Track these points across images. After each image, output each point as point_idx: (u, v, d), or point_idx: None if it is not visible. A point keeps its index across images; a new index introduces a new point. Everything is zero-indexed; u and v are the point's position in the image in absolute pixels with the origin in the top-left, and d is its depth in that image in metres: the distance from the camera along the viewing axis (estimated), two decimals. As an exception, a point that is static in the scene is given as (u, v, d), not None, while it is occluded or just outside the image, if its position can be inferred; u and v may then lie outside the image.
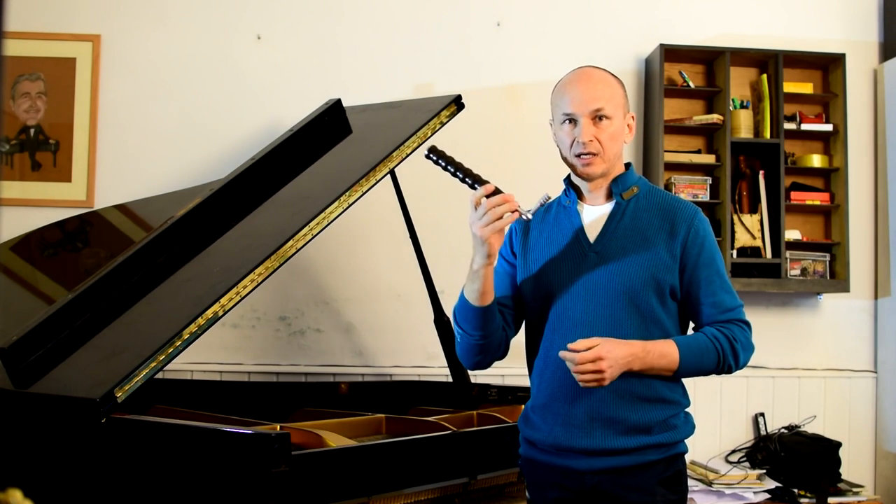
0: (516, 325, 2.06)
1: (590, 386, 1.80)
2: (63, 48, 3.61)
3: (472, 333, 1.95)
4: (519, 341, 2.08)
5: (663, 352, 1.84)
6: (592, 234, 1.95)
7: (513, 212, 1.80)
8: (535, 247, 2.00)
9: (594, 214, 1.98)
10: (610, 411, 1.87)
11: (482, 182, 1.84)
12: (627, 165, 2.01)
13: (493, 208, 1.79)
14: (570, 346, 1.79)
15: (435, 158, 1.87)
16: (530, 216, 1.82)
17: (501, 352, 2.02)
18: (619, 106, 1.93)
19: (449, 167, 1.88)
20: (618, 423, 1.87)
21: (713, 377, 2.04)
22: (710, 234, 1.96)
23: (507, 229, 1.91)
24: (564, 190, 2.04)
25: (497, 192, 1.81)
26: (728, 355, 1.88)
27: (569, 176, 2.03)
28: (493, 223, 1.79)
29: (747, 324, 1.94)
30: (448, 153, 1.88)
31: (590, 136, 1.89)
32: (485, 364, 2.02)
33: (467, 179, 1.86)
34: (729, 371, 1.91)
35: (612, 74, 1.99)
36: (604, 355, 1.77)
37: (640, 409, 1.88)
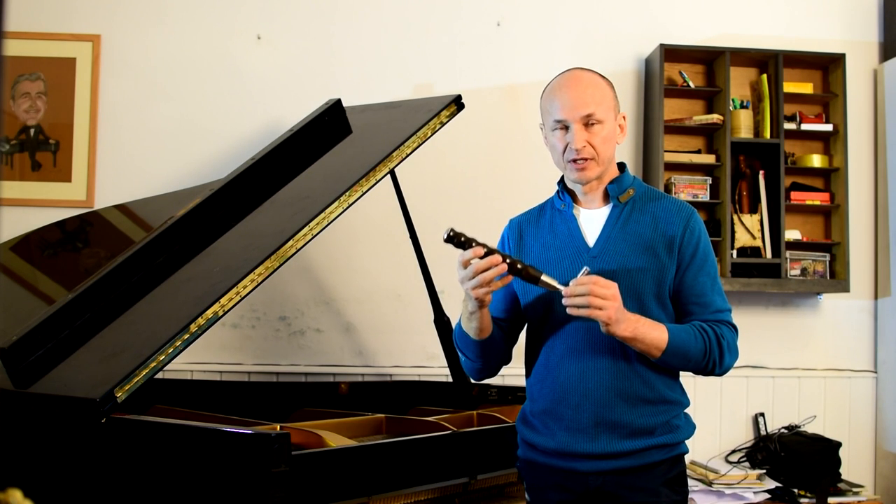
0: (516, 337, 2.08)
1: (591, 314, 1.75)
2: (63, 48, 3.61)
3: (475, 361, 2.01)
4: (519, 342, 2.09)
5: (654, 325, 1.83)
6: (591, 238, 1.94)
7: (503, 276, 1.78)
8: (531, 252, 1.99)
9: (591, 218, 1.97)
10: (614, 415, 1.86)
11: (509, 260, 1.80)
12: (622, 166, 2.01)
13: (481, 273, 1.78)
14: (590, 277, 1.77)
15: (455, 242, 1.81)
16: (558, 286, 1.80)
17: (506, 362, 2.07)
18: (609, 108, 1.93)
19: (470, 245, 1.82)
20: (622, 426, 1.86)
21: (712, 378, 2.04)
22: (706, 235, 1.96)
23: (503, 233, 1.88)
24: (558, 192, 2.03)
25: (489, 252, 1.78)
26: (714, 350, 1.86)
27: (562, 179, 2.02)
28: (484, 287, 1.79)
29: (735, 328, 1.94)
30: (467, 234, 1.82)
31: (583, 141, 1.89)
32: (492, 376, 2.08)
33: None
34: (713, 370, 1.89)
35: (601, 75, 1.98)
36: (618, 296, 1.77)
37: (644, 411, 1.87)
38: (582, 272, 1.78)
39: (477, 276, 1.77)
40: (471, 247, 1.79)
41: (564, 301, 1.77)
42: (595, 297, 1.74)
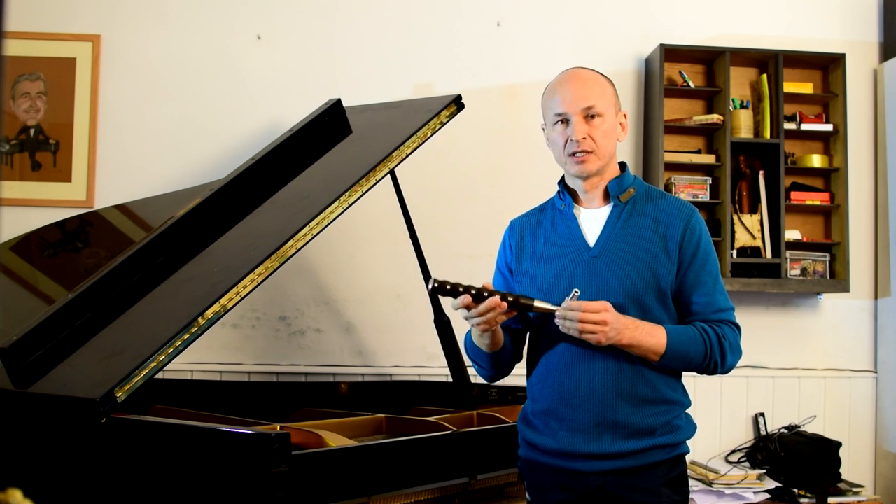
0: (524, 340, 2.09)
1: (583, 337, 1.79)
2: (63, 48, 3.61)
3: (488, 370, 2.04)
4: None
5: (652, 331, 1.84)
6: (591, 238, 1.95)
7: (507, 312, 1.83)
8: (532, 252, 2.00)
9: (592, 218, 1.97)
10: (615, 415, 1.86)
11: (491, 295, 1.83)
12: (623, 166, 2.01)
13: (482, 315, 1.82)
14: (579, 303, 1.79)
15: (442, 292, 1.82)
16: (552, 308, 1.83)
17: (518, 360, 2.10)
18: (610, 104, 1.94)
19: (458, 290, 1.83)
20: (623, 426, 1.87)
21: (713, 377, 2.04)
22: (707, 234, 1.96)
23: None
24: (558, 192, 2.03)
25: (477, 294, 1.81)
26: (715, 350, 1.87)
27: (563, 179, 2.02)
28: (488, 326, 1.85)
29: (738, 326, 1.94)
30: (451, 282, 1.84)
31: (583, 133, 1.90)
32: (504, 377, 2.11)
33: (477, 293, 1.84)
34: (714, 370, 1.90)
35: (602, 74, 1.99)
36: (609, 320, 1.79)
37: (645, 411, 1.88)
38: (571, 296, 1.81)
39: (481, 318, 1.82)
40: (458, 293, 1.82)
41: (556, 322, 1.81)
42: (585, 323, 1.77)
